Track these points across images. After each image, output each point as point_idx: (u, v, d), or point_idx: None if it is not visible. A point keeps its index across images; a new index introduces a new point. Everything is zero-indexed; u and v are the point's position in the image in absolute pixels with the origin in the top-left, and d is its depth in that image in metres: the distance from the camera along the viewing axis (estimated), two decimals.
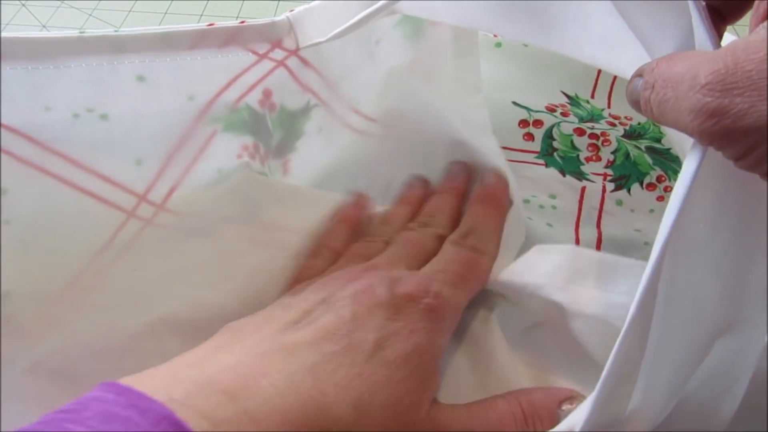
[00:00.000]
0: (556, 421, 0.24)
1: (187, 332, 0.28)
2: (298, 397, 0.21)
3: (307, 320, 0.23)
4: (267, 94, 0.32)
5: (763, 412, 0.28)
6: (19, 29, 0.53)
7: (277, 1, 0.56)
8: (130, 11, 0.56)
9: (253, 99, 0.31)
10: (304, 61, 0.32)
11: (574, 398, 0.25)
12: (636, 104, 0.21)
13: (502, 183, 0.31)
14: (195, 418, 0.19)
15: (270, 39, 0.30)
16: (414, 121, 0.35)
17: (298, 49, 0.31)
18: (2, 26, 0.53)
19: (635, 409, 0.23)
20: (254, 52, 0.30)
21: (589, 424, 0.22)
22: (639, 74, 0.21)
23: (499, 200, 0.31)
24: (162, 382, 0.21)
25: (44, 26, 0.54)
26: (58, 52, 0.26)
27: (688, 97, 0.17)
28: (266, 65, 0.31)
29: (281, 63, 0.31)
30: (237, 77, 0.30)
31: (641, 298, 0.20)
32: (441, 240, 0.29)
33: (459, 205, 0.31)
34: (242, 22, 0.29)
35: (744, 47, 0.16)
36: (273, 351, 0.22)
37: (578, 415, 0.22)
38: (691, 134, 0.18)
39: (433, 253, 0.28)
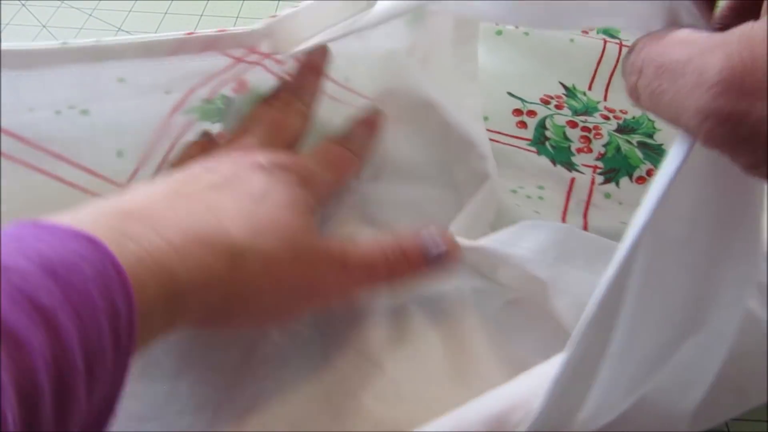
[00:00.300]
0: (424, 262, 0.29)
1: None
2: (201, 223, 0.24)
3: (199, 179, 0.27)
4: (242, 83, 0.33)
5: (723, 411, 0.28)
6: (19, 29, 0.53)
7: (277, 1, 0.56)
8: (130, 11, 0.56)
9: (228, 89, 0.32)
10: (281, 62, 0.33)
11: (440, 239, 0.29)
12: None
13: (381, 118, 0.36)
14: (103, 230, 0.21)
15: (247, 45, 0.31)
16: (407, 101, 0.35)
17: (275, 53, 0.31)
18: (2, 26, 0.53)
19: (591, 405, 0.22)
20: (231, 56, 0.31)
21: (538, 423, 0.21)
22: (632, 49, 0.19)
23: (377, 126, 0.36)
24: (68, 217, 0.22)
25: (44, 26, 0.54)
26: (43, 62, 0.27)
27: (693, 95, 0.15)
28: (243, 66, 0.32)
29: (258, 63, 0.32)
30: (214, 76, 0.31)
31: (607, 290, 0.19)
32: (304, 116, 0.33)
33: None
34: (221, 30, 0.30)
35: (763, 39, 0.14)
36: (170, 194, 0.25)
37: (527, 416, 0.22)
38: (692, 135, 0.16)
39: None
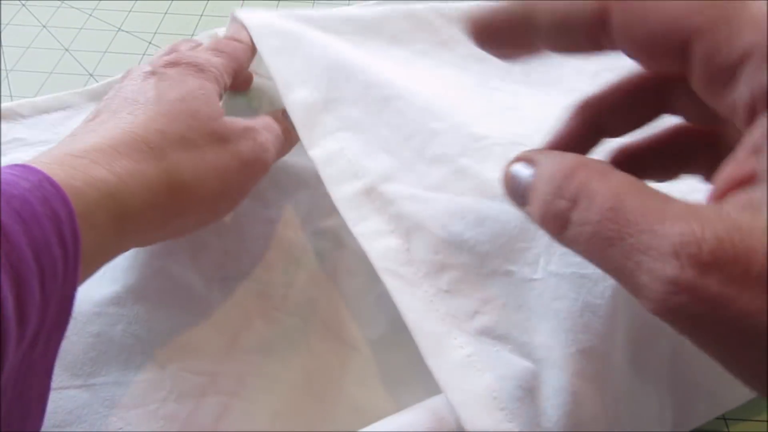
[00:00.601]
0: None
1: None
2: (122, 136, 0.26)
3: (109, 106, 0.29)
4: None
5: (696, 418, 0.29)
6: (19, 29, 0.53)
7: (277, 1, 0.56)
8: (130, 11, 0.56)
9: None
10: None
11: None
12: (518, 200, 0.18)
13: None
14: (40, 161, 0.23)
15: None
16: None
17: None
18: (2, 26, 0.53)
19: None
20: None
21: None
22: (526, 160, 0.18)
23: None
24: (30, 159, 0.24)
25: (44, 26, 0.54)
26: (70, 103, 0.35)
27: (662, 258, 0.13)
28: None
29: None
30: None
31: None
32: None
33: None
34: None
35: (762, 233, 0.13)
36: (94, 126, 0.28)
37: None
38: (640, 295, 0.14)
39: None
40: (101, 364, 0.29)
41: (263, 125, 0.33)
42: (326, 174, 0.31)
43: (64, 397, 0.28)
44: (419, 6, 0.41)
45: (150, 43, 0.52)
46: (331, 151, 0.32)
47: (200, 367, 0.30)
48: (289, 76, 0.34)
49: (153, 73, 0.30)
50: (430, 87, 0.35)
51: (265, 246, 0.34)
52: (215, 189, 0.29)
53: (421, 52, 0.39)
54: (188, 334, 0.31)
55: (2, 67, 0.49)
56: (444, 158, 0.30)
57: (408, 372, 0.29)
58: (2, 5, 0.55)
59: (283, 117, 0.35)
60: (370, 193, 0.30)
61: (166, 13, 0.55)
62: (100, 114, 0.29)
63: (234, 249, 0.34)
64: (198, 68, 0.31)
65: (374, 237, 0.29)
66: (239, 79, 0.38)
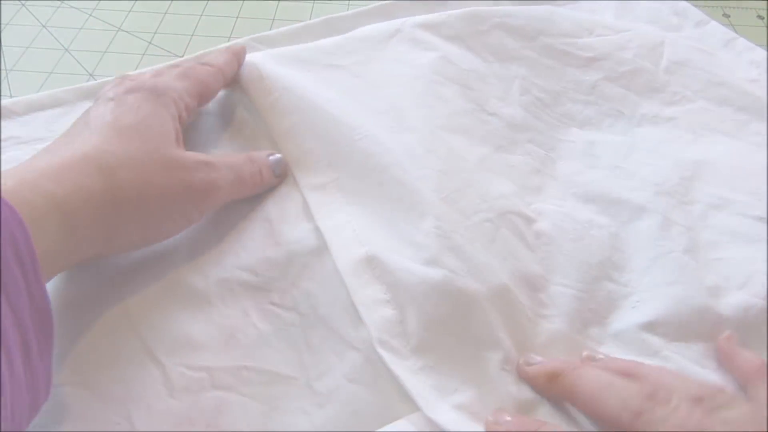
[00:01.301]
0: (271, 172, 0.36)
1: None
2: (74, 156, 0.28)
3: (75, 127, 0.31)
4: None
5: None
6: (19, 29, 0.53)
7: (277, 1, 0.56)
8: (130, 11, 0.56)
9: None
10: None
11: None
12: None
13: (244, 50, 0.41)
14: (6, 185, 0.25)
15: None
16: None
17: None
18: (2, 26, 0.53)
19: None
20: None
21: None
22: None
23: (241, 53, 0.40)
24: None
25: (44, 26, 0.54)
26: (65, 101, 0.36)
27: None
28: None
29: None
30: None
31: None
32: None
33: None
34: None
35: None
36: (55, 146, 0.30)
37: None
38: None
39: None
40: (100, 361, 0.29)
41: (228, 164, 0.34)
42: (333, 242, 0.33)
43: (64, 394, 0.28)
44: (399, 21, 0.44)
45: (150, 43, 0.52)
46: (339, 224, 0.34)
47: (199, 362, 0.30)
48: (301, 156, 0.37)
49: (112, 99, 0.32)
50: (424, 143, 0.37)
51: (264, 243, 0.34)
52: (158, 210, 0.30)
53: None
54: (187, 331, 0.31)
55: (2, 67, 0.49)
56: (439, 233, 0.33)
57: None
58: (2, 5, 0.55)
59: (259, 160, 0.36)
60: (371, 260, 0.32)
61: (166, 13, 0.55)
62: (65, 136, 0.31)
63: (232, 246, 0.34)
64: (156, 94, 0.33)
65: (372, 306, 0.31)
66: (209, 100, 0.38)
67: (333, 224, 0.34)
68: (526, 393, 0.29)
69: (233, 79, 0.40)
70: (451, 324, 0.30)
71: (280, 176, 0.37)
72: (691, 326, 0.31)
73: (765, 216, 0.35)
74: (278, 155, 0.37)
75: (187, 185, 0.31)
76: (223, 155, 0.35)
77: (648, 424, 0.25)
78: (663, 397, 0.26)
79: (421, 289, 0.31)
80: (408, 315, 0.30)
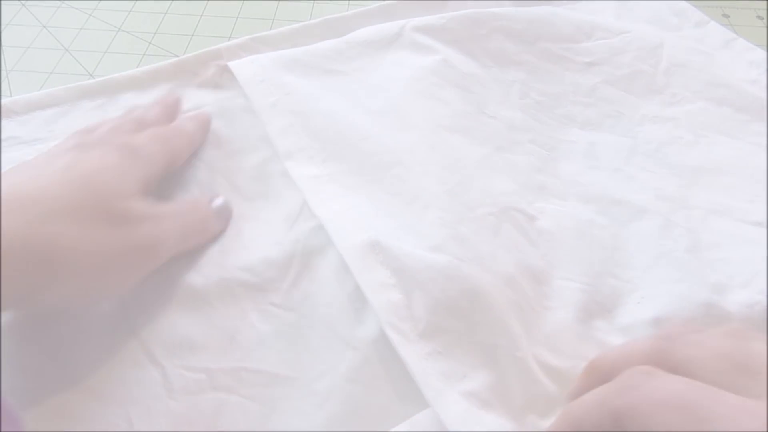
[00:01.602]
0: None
1: None
2: (17, 191, 0.27)
3: (35, 163, 0.31)
4: None
5: None
6: (19, 29, 0.53)
7: (277, 1, 0.56)
8: (130, 11, 0.56)
9: None
10: None
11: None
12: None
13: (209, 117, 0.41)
14: None
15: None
16: None
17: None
18: (2, 26, 0.53)
19: None
20: None
21: None
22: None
23: (207, 120, 0.40)
24: None
25: (44, 26, 0.54)
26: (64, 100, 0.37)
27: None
28: None
29: None
30: None
31: None
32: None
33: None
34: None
35: None
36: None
37: None
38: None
39: None
40: (99, 362, 0.29)
41: (173, 213, 0.32)
42: (334, 228, 0.33)
43: (63, 396, 0.28)
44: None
45: (150, 43, 0.52)
46: (339, 211, 0.34)
47: (198, 363, 0.30)
48: (296, 153, 0.37)
49: (78, 144, 0.32)
50: (426, 141, 0.37)
51: (263, 243, 0.34)
52: (91, 269, 0.28)
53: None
54: (186, 332, 0.31)
55: (2, 67, 0.49)
56: (443, 222, 0.33)
57: (407, 371, 0.29)
58: (2, 5, 0.55)
59: (203, 207, 0.35)
60: (375, 246, 0.32)
61: (166, 13, 0.55)
62: (32, 161, 0.31)
63: (231, 246, 0.34)
64: (127, 153, 0.31)
65: (378, 289, 0.31)
66: (177, 165, 0.37)
67: (333, 212, 0.34)
68: (535, 379, 0.29)
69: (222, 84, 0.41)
70: (459, 309, 0.30)
71: (224, 221, 0.35)
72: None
73: (765, 221, 0.36)
74: (221, 199, 0.35)
75: (130, 243, 0.29)
76: (167, 203, 0.33)
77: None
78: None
79: (427, 275, 0.30)
80: (415, 300, 0.30)
